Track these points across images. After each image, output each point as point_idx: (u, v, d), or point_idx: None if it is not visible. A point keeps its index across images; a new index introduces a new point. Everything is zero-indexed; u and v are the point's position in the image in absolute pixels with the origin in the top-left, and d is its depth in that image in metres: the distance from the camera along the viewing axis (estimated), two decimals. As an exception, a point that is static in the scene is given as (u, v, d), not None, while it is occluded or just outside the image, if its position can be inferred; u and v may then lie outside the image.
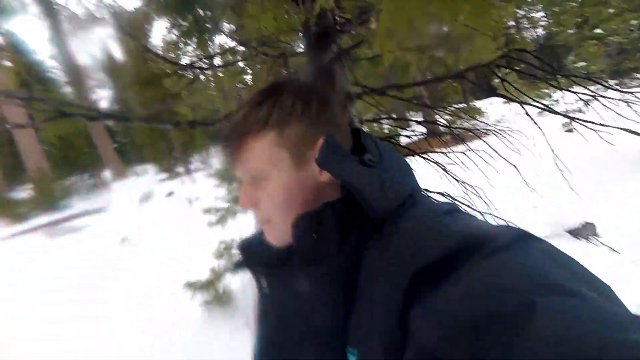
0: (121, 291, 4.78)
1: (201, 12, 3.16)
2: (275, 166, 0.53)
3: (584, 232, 3.71)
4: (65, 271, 5.96)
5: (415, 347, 0.33)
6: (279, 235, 0.55)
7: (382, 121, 3.76)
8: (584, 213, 3.86)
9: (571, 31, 9.36)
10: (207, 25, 3.27)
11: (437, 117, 3.81)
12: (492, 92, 2.86)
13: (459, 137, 2.73)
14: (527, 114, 2.02)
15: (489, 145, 2.52)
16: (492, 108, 13.49)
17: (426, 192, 2.38)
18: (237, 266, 0.64)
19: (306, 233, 0.49)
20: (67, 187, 12.97)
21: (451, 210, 0.47)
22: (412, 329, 0.34)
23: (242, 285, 3.45)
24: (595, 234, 3.74)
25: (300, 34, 2.45)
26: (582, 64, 9.22)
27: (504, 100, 2.40)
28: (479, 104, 14.82)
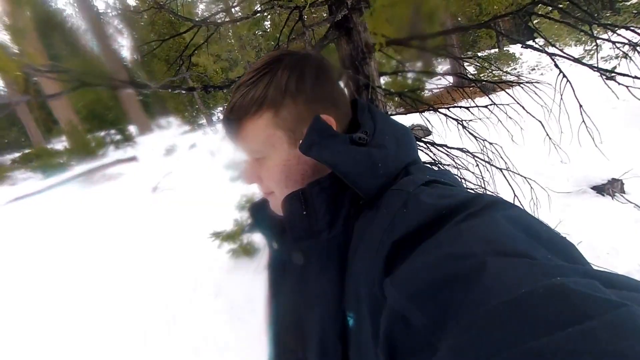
0: (153, 238, 5.11)
1: None
2: (273, 146, 0.55)
3: (610, 188, 3.59)
4: (104, 218, 6.38)
5: (388, 310, 0.36)
6: (267, 191, 0.59)
7: (405, 73, 3.60)
8: (611, 169, 3.70)
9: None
10: None
11: (465, 65, 3.63)
12: (528, 38, 2.64)
13: (485, 90, 2.61)
14: (556, 65, 1.89)
15: (515, 99, 2.40)
16: (528, 53, 12.55)
17: (443, 148, 2.35)
18: (250, 228, 0.70)
19: (296, 211, 0.51)
20: (101, 138, 13.43)
21: (432, 180, 0.48)
22: (385, 294, 0.37)
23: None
24: (622, 191, 3.61)
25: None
26: (634, 1, 8.25)
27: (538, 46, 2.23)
28: (513, 48, 13.80)
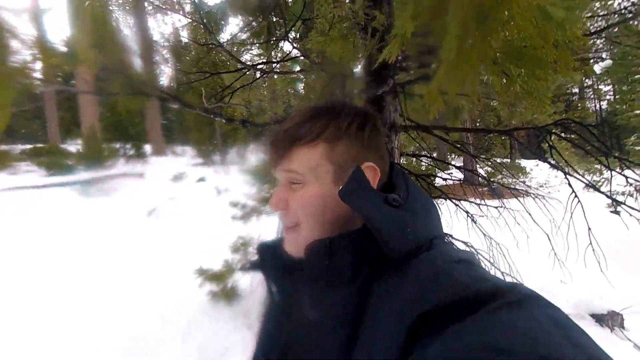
0: (136, 262, 4.95)
1: (275, 18, 3.35)
2: (318, 176, 0.56)
3: (610, 320, 3.50)
4: (92, 230, 6.24)
5: None
6: (302, 242, 0.55)
7: (422, 158, 3.76)
8: (612, 300, 3.64)
9: (637, 112, 8.92)
10: (277, 31, 3.45)
11: (477, 166, 3.76)
12: (540, 155, 2.80)
13: (496, 192, 2.69)
14: (569, 184, 1.97)
15: (524, 207, 2.46)
16: (538, 170, 13.06)
17: (449, 238, 2.36)
18: (252, 266, 0.67)
19: (319, 259, 0.50)
20: (115, 148, 13.63)
21: (465, 259, 0.48)
22: None
23: (251, 286, 3.49)
24: (622, 326, 3.51)
25: (362, 61, 2.53)
26: (641, 147, 8.75)
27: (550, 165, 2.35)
28: (524, 162, 14.38)
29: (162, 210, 7.64)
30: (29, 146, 13.74)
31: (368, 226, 0.49)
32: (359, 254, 0.50)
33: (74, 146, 14.25)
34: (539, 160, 2.62)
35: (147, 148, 15.88)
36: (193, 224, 6.73)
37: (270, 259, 0.63)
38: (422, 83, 2.29)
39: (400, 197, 0.53)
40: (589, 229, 2.00)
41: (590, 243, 2.00)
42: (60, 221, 6.58)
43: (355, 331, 0.47)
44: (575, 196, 2.02)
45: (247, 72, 3.13)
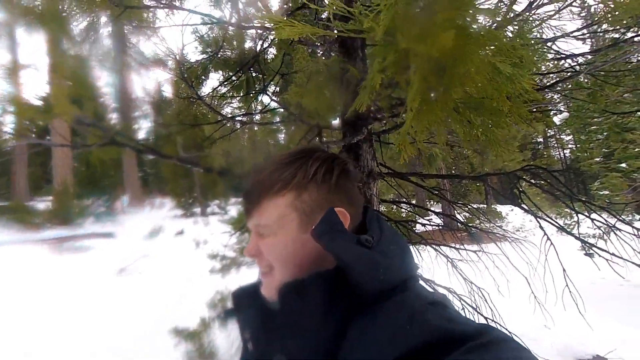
0: (107, 322, 4.62)
1: (254, 73, 3.52)
2: (283, 225, 0.57)
3: (596, 366, 3.44)
4: (60, 291, 5.85)
5: None
6: (276, 285, 0.54)
7: (402, 205, 3.82)
8: (594, 343, 3.60)
9: (597, 159, 9.53)
10: (256, 85, 3.61)
11: (456, 212, 3.85)
12: (513, 200, 2.91)
13: (474, 237, 2.73)
14: (541, 227, 2.03)
15: (502, 252, 2.50)
16: (513, 215, 13.40)
17: (431, 284, 2.34)
18: (227, 314, 0.66)
19: (292, 299, 0.50)
20: (86, 206, 13.20)
21: (438, 301, 0.48)
22: None
23: (229, 343, 3.29)
24: (607, 371, 3.44)
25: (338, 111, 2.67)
26: (606, 192, 9.21)
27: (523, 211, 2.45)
28: (500, 207, 14.78)
29: (135, 268, 7.29)
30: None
31: (340, 266, 0.49)
32: (331, 294, 0.49)
33: (43, 203, 13.73)
34: (513, 205, 2.71)
35: (125, 199, 15.50)
36: (169, 280, 6.42)
37: (247, 302, 0.61)
38: (395, 132, 2.41)
39: (373, 239, 0.53)
40: (564, 270, 2.03)
41: (567, 285, 2.02)
42: (29, 279, 6.17)
43: None
44: (548, 239, 2.07)
45: (227, 124, 3.21)
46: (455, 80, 0.81)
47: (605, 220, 2.10)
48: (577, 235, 2.05)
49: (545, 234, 2.09)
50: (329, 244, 0.50)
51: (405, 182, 3.39)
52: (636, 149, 8.44)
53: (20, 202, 14.43)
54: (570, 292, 2.00)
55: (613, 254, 1.94)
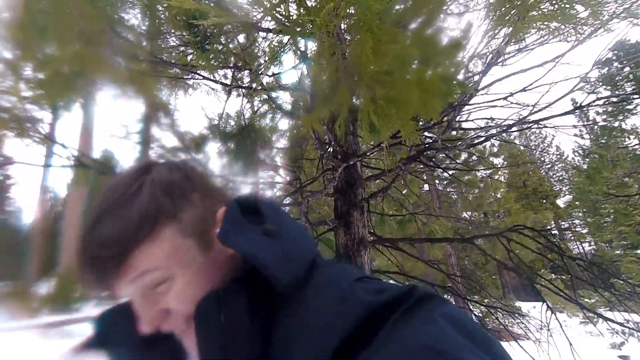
0: None
1: (251, 147, 3.80)
2: (180, 261, 0.47)
3: None
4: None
5: None
6: (181, 324, 0.47)
7: (390, 275, 3.67)
8: None
9: (617, 252, 9.30)
10: (253, 157, 3.88)
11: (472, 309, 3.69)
12: (536, 295, 2.79)
13: (492, 331, 2.57)
14: (563, 332, 1.93)
15: (524, 350, 2.34)
16: (535, 312, 12.47)
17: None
18: (91, 345, 0.51)
19: (213, 312, 0.43)
20: (86, 293, 12.85)
21: (361, 276, 0.45)
22: None
23: None
24: None
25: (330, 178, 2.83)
26: (629, 280, 8.83)
27: (547, 308, 2.36)
28: (520, 304, 13.89)
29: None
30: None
31: (256, 264, 0.44)
32: (253, 297, 0.45)
33: (50, 286, 13.43)
34: (537, 300, 2.66)
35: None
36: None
37: (122, 328, 0.49)
38: (381, 195, 2.56)
39: (277, 227, 0.50)
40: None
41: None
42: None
43: None
44: (570, 344, 1.97)
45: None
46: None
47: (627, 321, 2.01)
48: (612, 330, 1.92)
49: (566, 337, 2.01)
50: (237, 244, 0.46)
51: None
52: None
53: (21, 286, 14.17)
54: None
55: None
